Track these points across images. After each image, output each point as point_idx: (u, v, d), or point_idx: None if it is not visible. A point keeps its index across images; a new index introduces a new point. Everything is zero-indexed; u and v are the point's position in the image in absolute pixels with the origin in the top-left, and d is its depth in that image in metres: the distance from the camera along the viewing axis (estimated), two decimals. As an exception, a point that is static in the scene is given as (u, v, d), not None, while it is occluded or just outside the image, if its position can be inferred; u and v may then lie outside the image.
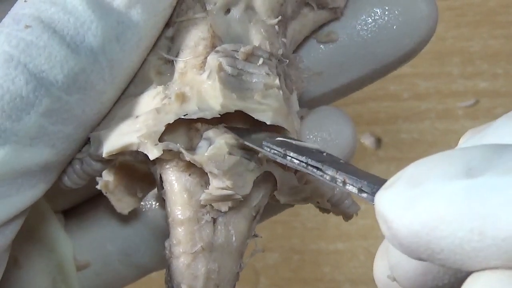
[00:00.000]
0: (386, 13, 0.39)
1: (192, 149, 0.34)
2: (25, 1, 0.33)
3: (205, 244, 0.34)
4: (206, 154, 0.33)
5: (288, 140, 0.32)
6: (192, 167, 0.34)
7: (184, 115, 0.33)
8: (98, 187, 0.40)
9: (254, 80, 0.34)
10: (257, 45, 0.35)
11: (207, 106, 0.33)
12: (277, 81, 0.35)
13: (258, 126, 0.34)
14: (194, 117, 0.33)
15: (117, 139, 0.34)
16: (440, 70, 0.78)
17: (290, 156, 0.31)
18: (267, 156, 0.33)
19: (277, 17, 0.36)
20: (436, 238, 0.23)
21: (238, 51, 0.34)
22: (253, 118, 0.34)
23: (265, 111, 0.34)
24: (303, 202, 0.38)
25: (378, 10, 0.40)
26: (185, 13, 0.36)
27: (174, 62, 0.35)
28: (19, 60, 0.32)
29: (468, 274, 0.24)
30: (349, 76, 0.41)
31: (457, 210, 0.23)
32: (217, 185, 0.34)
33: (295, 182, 0.36)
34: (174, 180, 0.35)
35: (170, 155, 0.34)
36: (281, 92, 0.35)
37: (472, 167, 0.23)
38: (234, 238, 0.35)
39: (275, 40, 0.36)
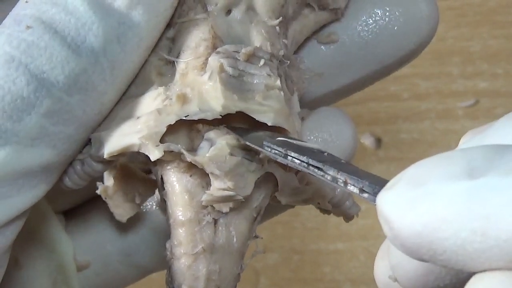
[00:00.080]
0: (387, 14, 0.39)
1: (193, 150, 0.34)
2: (26, 2, 0.33)
3: (206, 245, 0.34)
4: (207, 155, 0.33)
5: (289, 140, 0.32)
6: (193, 168, 0.34)
7: (185, 116, 0.33)
8: (98, 192, 0.40)
9: (255, 81, 0.34)
10: (258, 46, 0.35)
11: (208, 107, 0.33)
12: (278, 82, 0.35)
13: (259, 127, 0.34)
14: (195, 118, 0.33)
15: (118, 140, 0.34)
16: (440, 70, 0.78)
17: (291, 156, 0.31)
18: (268, 156, 0.33)
19: (278, 18, 0.36)
20: (438, 239, 0.23)
21: (239, 52, 0.34)
22: (254, 119, 0.34)
23: (266, 112, 0.34)
24: (304, 203, 0.38)
25: (379, 11, 0.40)
26: (186, 14, 0.36)
27: (175, 63, 0.35)
28: (20, 60, 0.32)
29: (470, 275, 0.24)
30: (350, 76, 0.41)
31: (459, 210, 0.23)
32: (218, 186, 0.34)
33: (296, 183, 0.36)
34: (175, 181, 0.35)
35: (171, 156, 0.34)
36: (282, 93, 0.35)
37: (474, 168, 0.23)
38: (235, 239, 0.35)
39: (276, 41, 0.36)
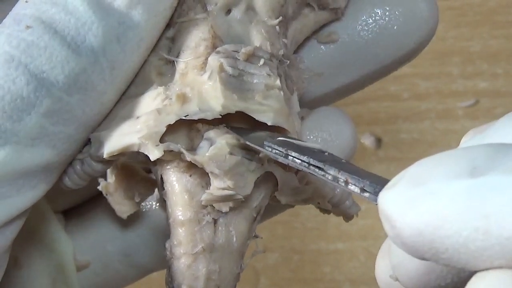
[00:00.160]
0: (387, 13, 0.39)
1: (193, 149, 0.34)
2: (26, 2, 0.33)
3: (206, 245, 0.34)
4: (207, 154, 0.33)
5: (290, 140, 0.32)
6: (193, 168, 0.34)
7: (185, 116, 0.33)
8: (99, 188, 0.40)
9: (255, 81, 0.34)
10: (258, 46, 0.35)
11: (208, 106, 0.33)
12: (278, 82, 0.35)
13: (258, 126, 0.34)
14: (195, 118, 0.33)
15: (118, 139, 0.34)
16: (440, 70, 0.78)
17: (292, 156, 0.31)
18: (269, 156, 0.33)
19: (278, 18, 0.36)
20: (440, 237, 0.23)
21: (239, 52, 0.34)
22: (254, 118, 0.34)
23: (266, 112, 0.34)
24: (304, 202, 0.38)
25: (378, 11, 0.40)
26: (186, 13, 0.36)
27: (175, 62, 0.35)
28: (20, 60, 0.32)
29: (471, 274, 0.24)
30: (349, 76, 0.41)
31: (461, 209, 0.23)
32: (218, 185, 0.34)
33: (296, 183, 0.36)
34: (175, 181, 0.35)
35: (171, 156, 0.34)
36: (282, 93, 0.35)
37: (476, 166, 0.23)
38: (234, 239, 0.35)
39: (275, 41, 0.36)
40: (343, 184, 0.28)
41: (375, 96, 0.77)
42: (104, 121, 0.35)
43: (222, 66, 0.34)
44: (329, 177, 0.29)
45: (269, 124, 0.34)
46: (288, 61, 0.37)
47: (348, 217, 0.39)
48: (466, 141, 0.29)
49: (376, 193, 0.26)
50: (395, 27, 0.39)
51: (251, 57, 0.34)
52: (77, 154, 0.36)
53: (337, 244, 0.72)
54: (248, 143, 0.33)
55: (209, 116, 0.33)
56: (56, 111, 0.33)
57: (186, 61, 0.35)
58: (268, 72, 0.35)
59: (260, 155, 0.34)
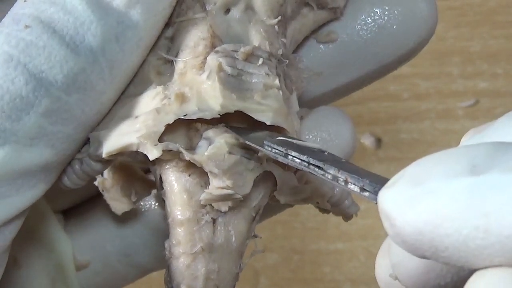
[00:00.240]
0: (386, 13, 0.39)
1: (192, 149, 0.34)
2: (24, 1, 0.33)
3: (205, 244, 0.34)
4: (206, 153, 0.33)
5: (290, 140, 0.32)
6: (191, 168, 0.34)
7: (184, 116, 0.33)
8: (95, 183, 0.40)
9: (254, 80, 0.34)
10: (256, 45, 0.35)
11: (206, 106, 0.33)
12: (276, 81, 0.35)
13: (257, 126, 0.34)
14: (194, 117, 0.33)
15: (116, 139, 0.34)
16: (440, 70, 0.78)
17: (291, 155, 0.31)
18: (268, 155, 0.33)
19: (277, 17, 0.36)
20: (440, 236, 0.23)
21: (238, 51, 0.34)
22: (253, 118, 0.34)
23: (265, 112, 0.34)
24: (303, 202, 0.38)
25: (378, 10, 0.40)
26: (185, 13, 0.36)
27: (174, 62, 0.35)
28: (19, 60, 0.32)
29: (471, 272, 0.24)
30: (349, 76, 0.41)
31: (461, 207, 0.23)
32: (217, 185, 0.34)
33: (295, 182, 0.36)
34: (174, 181, 0.35)
35: (169, 155, 0.34)
36: (281, 92, 0.35)
37: (476, 165, 0.23)
38: (234, 239, 0.35)
39: (274, 40, 0.36)
40: (342, 184, 0.28)
41: (375, 96, 0.77)
42: (103, 120, 0.35)
43: (221, 65, 0.34)
44: (329, 177, 0.29)
45: (268, 123, 0.34)
46: (287, 61, 0.37)
47: (347, 217, 0.39)
48: (466, 140, 0.29)
49: (375, 192, 0.26)
50: (394, 27, 0.39)
51: (250, 57, 0.34)
52: (76, 154, 0.36)
53: (337, 244, 0.72)
54: (247, 142, 0.33)
55: (207, 115, 0.33)
56: (55, 110, 0.33)
57: (185, 61, 0.35)
58: (267, 71, 0.35)
59: (259, 154, 0.34)
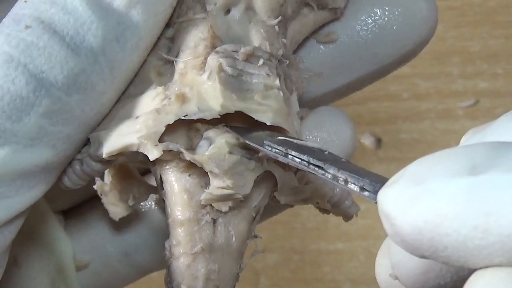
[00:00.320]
0: (386, 13, 0.39)
1: (192, 149, 0.34)
2: (25, 2, 0.33)
3: (205, 245, 0.34)
4: (206, 153, 0.33)
5: (290, 139, 0.32)
6: (192, 168, 0.34)
7: (184, 116, 0.33)
8: (94, 187, 0.40)
9: (254, 81, 0.34)
10: (257, 46, 0.35)
11: (207, 106, 0.33)
12: (277, 82, 0.35)
13: (258, 126, 0.34)
14: (194, 118, 0.33)
15: (117, 139, 0.34)
16: (440, 70, 0.78)
17: (291, 155, 0.31)
18: (269, 155, 0.33)
19: (277, 18, 0.36)
20: (439, 235, 0.23)
21: (238, 52, 0.34)
22: (253, 118, 0.34)
23: (265, 112, 0.34)
24: (303, 202, 0.38)
25: (378, 11, 0.40)
26: (185, 13, 0.36)
27: (174, 62, 0.35)
28: (19, 60, 0.32)
29: (470, 272, 0.24)
30: (349, 76, 0.41)
31: (460, 207, 0.23)
32: (218, 185, 0.34)
33: (295, 183, 0.36)
34: (174, 181, 0.35)
35: (170, 156, 0.34)
36: (281, 93, 0.35)
37: (475, 165, 0.23)
38: (234, 239, 0.35)
39: (275, 41, 0.36)
40: (342, 183, 0.28)
41: (375, 96, 0.77)
42: (103, 121, 0.35)
43: (221, 66, 0.34)
44: (329, 176, 0.29)
45: (268, 124, 0.34)
46: (287, 61, 0.37)
47: (347, 217, 0.39)
48: (466, 140, 0.29)
49: (375, 192, 0.26)
50: (394, 27, 0.39)
51: (250, 57, 0.34)
52: (76, 154, 0.36)
53: (337, 244, 0.72)
54: (248, 142, 0.33)
55: (208, 116, 0.33)
56: (55, 111, 0.33)
57: (185, 61, 0.35)
58: (267, 72, 0.35)
59: (260, 154, 0.34)
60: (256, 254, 0.38)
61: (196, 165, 0.34)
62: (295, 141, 0.32)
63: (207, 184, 0.34)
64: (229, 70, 0.34)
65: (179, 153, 0.34)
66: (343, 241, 0.72)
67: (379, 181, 0.26)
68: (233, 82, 0.34)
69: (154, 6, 0.34)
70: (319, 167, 0.29)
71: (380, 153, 0.76)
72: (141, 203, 0.44)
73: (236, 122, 0.35)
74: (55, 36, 0.32)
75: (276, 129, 0.34)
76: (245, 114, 0.34)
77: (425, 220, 0.23)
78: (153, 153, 0.33)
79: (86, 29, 0.32)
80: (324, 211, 0.39)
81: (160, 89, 0.35)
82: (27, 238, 0.42)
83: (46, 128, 0.33)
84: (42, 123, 0.32)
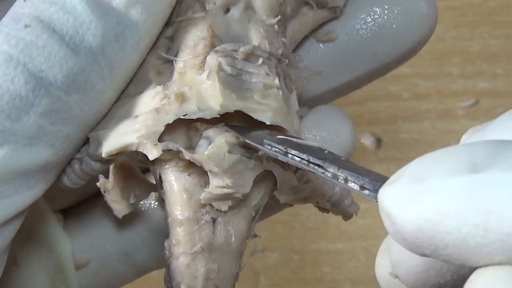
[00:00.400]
0: (386, 12, 0.39)
1: (191, 148, 0.34)
2: (24, 1, 0.33)
3: (205, 244, 0.34)
4: (206, 152, 0.33)
5: (289, 138, 0.32)
6: (191, 167, 0.34)
7: (184, 115, 0.33)
8: (98, 184, 0.40)
9: (253, 80, 0.34)
10: (256, 45, 0.35)
11: (206, 106, 0.33)
12: (276, 81, 0.35)
13: (257, 126, 0.34)
14: (194, 117, 0.33)
15: (116, 139, 0.34)
16: (440, 70, 0.78)
17: (291, 153, 0.31)
18: (268, 154, 0.33)
19: (277, 17, 0.36)
20: (440, 234, 0.23)
21: (237, 51, 0.34)
22: (253, 118, 0.34)
23: (264, 111, 0.34)
24: (303, 201, 0.38)
25: (377, 9, 0.40)
26: (184, 12, 0.36)
27: (174, 61, 0.35)
28: (19, 59, 0.32)
29: (471, 271, 0.24)
30: (348, 75, 0.41)
31: (461, 205, 0.23)
32: (217, 184, 0.34)
33: (294, 182, 0.36)
34: (174, 180, 0.35)
35: (169, 155, 0.34)
36: (280, 92, 0.35)
37: (476, 163, 0.23)
38: (233, 238, 0.35)
39: (274, 40, 0.36)
40: (342, 182, 0.28)
41: (375, 96, 0.77)
42: (103, 120, 0.35)
43: (220, 65, 0.34)
44: (329, 175, 0.29)
45: (267, 123, 0.34)
46: (287, 60, 0.37)
47: (347, 216, 0.39)
48: (466, 139, 0.29)
49: (375, 191, 0.26)
50: (394, 26, 0.39)
51: (250, 56, 0.34)
52: (76, 154, 0.36)
53: (337, 244, 0.72)
54: (247, 141, 0.33)
55: (207, 115, 0.33)
56: (54, 110, 0.32)
57: (184, 60, 0.35)
58: (266, 71, 0.34)
59: (259, 153, 0.34)
60: (256, 254, 0.38)
61: (195, 164, 0.34)
62: (294, 140, 0.32)
63: (206, 183, 0.34)
64: (228, 69, 0.34)
65: (178, 152, 0.34)
66: (343, 241, 0.72)
67: (379, 180, 0.27)
68: (233, 81, 0.34)
69: (154, 6, 0.34)
70: (319, 166, 0.30)
71: (380, 153, 0.76)
72: (141, 202, 0.44)
73: (236, 121, 0.35)
74: (54, 35, 0.32)
75: (275, 129, 0.34)
76: (245, 113, 0.34)
77: (426, 218, 0.23)
78: (152, 153, 0.33)
79: (86, 29, 0.32)
80: (323, 210, 0.39)
81: (159, 88, 0.35)
82: (27, 237, 0.42)
83: (45, 127, 0.33)
84: (41, 122, 0.32)
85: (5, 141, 0.32)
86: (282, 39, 0.37)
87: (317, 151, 0.31)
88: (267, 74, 0.34)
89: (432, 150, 0.25)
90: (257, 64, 0.34)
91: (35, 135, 0.33)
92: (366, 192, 0.27)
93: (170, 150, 0.34)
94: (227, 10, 0.36)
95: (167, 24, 0.36)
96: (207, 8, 0.35)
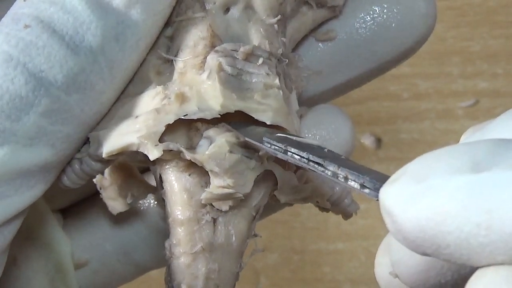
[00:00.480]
0: (385, 11, 0.39)
1: (192, 148, 0.34)
2: (24, 1, 0.33)
3: (205, 244, 0.34)
4: (207, 152, 0.33)
5: (289, 136, 0.32)
6: (192, 167, 0.34)
7: (184, 116, 0.33)
8: (94, 180, 0.40)
9: (254, 80, 0.34)
10: (256, 45, 0.35)
11: (207, 106, 0.33)
12: (277, 81, 0.34)
13: (258, 126, 0.34)
14: (194, 117, 0.33)
15: (117, 139, 0.34)
16: (440, 70, 0.78)
17: (291, 152, 0.31)
18: (268, 152, 0.33)
19: (277, 16, 0.36)
20: (442, 233, 0.23)
21: (237, 51, 0.34)
22: (253, 118, 0.34)
23: (265, 111, 0.34)
24: (303, 201, 0.38)
25: (376, 8, 0.40)
26: (184, 12, 0.36)
27: (174, 61, 0.35)
28: (19, 59, 0.32)
29: (471, 271, 0.24)
30: (347, 74, 0.41)
31: (462, 204, 0.23)
32: (218, 184, 0.34)
33: (295, 182, 0.36)
34: (174, 180, 0.35)
35: (170, 155, 0.34)
36: (281, 92, 0.35)
37: (477, 162, 0.23)
38: (234, 238, 0.35)
39: (274, 40, 0.36)
40: (342, 180, 0.28)
41: (375, 96, 0.77)
42: (103, 120, 0.35)
43: (220, 65, 0.34)
44: (329, 173, 0.29)
45: (268, 123, 0.34)
46: (287, 60, 0.37)
47: (347, 216, 0.39)
48: (465, 138, 0.29)
49: (376, 189, 0.26)
50: (393, 25, 0.39)
51: (250, 56, 0.34)
52: (76, 154, 0.36)
53: (337, 244, 0.72)
54: (248, 139, 0.33)
55: (208, 115, 0.33)
56: (54, 110, 0.32)
57: (184, 60, 0.35)
58: (267, 71, 0.34)
59: (260, 153, 0.34)
60: (256, 253, 0.38)
61: (196, 164, 0.34)
62: (294, 138, 0.32)
63: (207, 183, 0.34)
64: (228, 69, 0.34)
65: (179, 152, 0.34)
66: (343, 241, 0.72)
67: (380, 179, 0.26)
68: (233, 81, 0.34)
69: (154, 5, 0.34)
70: (319, 164, 0.29)
71: (380, 153, 0.76)
72: (140, 201, 0.44)
73: (236, 121, 0.35)
74: (54, 35, 0.32)
75: (276, 128, 0.34)
76: (245, 113, 0.34)
77: (427, 217, 0.23)
78: (153, 153, 0.33)
79: (86, 29, 0.32)
80: (323, 209, 0.39)
81: (159, 88, 0.34)
82: (26, 237, 0.42)
83: (45, 127, 0.33)
84: (41, 122, 0.32)
85: (5, 141, 0.32)
86: (282, 38, 0.37)
87: (316, 149, 0.30)
88: (268, 74, 0.34)
89: (432, 150, 0.25)
90: (257, 64, 0.34)
91: (35, 135, 0.32)
92: (367, 190, 0.27)
93: (171, 150, 0.34)
94: (227, 10, 0.36)
95: (167, 24, 0.36)
96: (207, 8, 0.35)
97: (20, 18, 0.32)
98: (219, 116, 0.33)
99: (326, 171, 0.29)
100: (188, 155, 0.33)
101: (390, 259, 0.30)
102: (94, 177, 0.39)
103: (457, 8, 0.80)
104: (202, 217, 0.34)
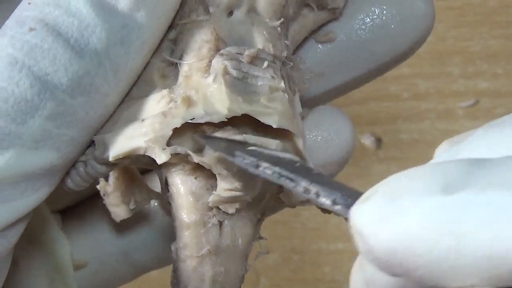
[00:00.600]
0: (384, 12, 0.40)
1: (199, 151, 0.34)
2: (28, 4, 0.33)
3: (212, 247, 0.34)
4: (214, 155, 0.33)
5: (261, 150, 0.32)
6: (198, 171, 0.34)
7: (191, 119, 0.33)
8: (98, 186, 0.40)
9: (259, 83, 0.34)
10: (260, 48, 0.35)
11: (213, 110, 0.33)
12: (282, 84, 0.35)
13: (263, 129, 0.34)
14: (202, 121, 0.33)
15: (123, 143, 0.34)
16: (440, 70, 0.78)
17: (262, 166, 0.30)
18: (239, 166, 0.31)
19: (280, 19, 0.36)
20: (412, 256, 0.23)
21: (242, 54, 0.34)
22: (259, 121, 0.34)
23: (271, 115, 0.34)
24: (306, 203, 0.38)
25: (376, 10, 0.40)
26: (188, 15, 0.36)
27: (178, 65, 0.35)
28: (24, 63, 0.32)
29: None
30: (347, 75, 0.41)
31: (433, 227, 0.23)
32: (226, 187, 0.34)
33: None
34: (180, 184, 0.35)
35: (177, 159, 0.34)
36: (286, 95, 0.35)
37: (449, 183, 0.23)
38: (240, 241, 0.35)
39: (277, 42, 0.36)
40: (314, 196, 0.27)
41: (375, 96, 0.77)
42: (107, 123, 0.35)
43: (226, 68, 0.34)
44: (301, 189, 0.28)
45: (274, 126, 0.34)
46: (291, 63, 0.37)
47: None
48: (440, 154, 0.28)
49: (348, 206, 0.26)
50: (392, 26, 0.39)
51: (255, 60, 0.34)
52: (80, 156, 0.36)
53: (337, 244, 0.73)
54: (219, 153, 0.32)
55: (215, 119, 0.33)
56: (59, 113, 0.32)
57: (189, 64, 0.35)
58: (272, 74, 0.34)
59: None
60: (261, 256, 0.38)
61: (201, 167, 0.34)
62: (266, 151, 0.31)
63: (213, 186, 0.34)
64: (234, 72, 0.34)
65: (186, 156, 0.34)
66: (343, 241, 0.72)
67: (352, 195, 0.26)
68: (239, 85, 0.34)
69: (158, 9, 0.34)
70: (290, 179, 0.29)
71: (380, 153, 0.76)
72: (136, 211, 0.44)
73: (242, 124, 0.35)
74: (59, 38, 0.32)
75: (281, 131, 0.34)
76: (251, 116, 0.34)
77: (398, 239, 0.23)
78: (161, 157, 0.33)
79: (91, 32, 0.32)
80: (325, 210, 0.39)
81: (165, 91, 0.34)
82: (26, 238, 0.42)
83: (50, 130, 0.33)
84: (46, 125, 0.32)
85: (10, 145, 0.32)
86: (285, 41, 0.37)
87: (288, 163, 0.30)
88: (273, 77, 0.34)
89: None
90: (263, 67, 0.34)
91: (40, 139, 0.32)
92: (338, 207, 0.26)
93: (178, 153, 0.34)
94: (231, 13, 0.36)
95: (170, 27, 0.36)
96: (210, 11, 0.35)
97: (25, 21, 0.32)
98: (226, 120, 0.33)
99: (298, 187, 0.28)
100: (196, 158, 0.33)
101: (364, 276, 0.30)
102: (98, 179, 0.39)
103: (457, 8, 0.80)
104: (209, 220, 0.34)
